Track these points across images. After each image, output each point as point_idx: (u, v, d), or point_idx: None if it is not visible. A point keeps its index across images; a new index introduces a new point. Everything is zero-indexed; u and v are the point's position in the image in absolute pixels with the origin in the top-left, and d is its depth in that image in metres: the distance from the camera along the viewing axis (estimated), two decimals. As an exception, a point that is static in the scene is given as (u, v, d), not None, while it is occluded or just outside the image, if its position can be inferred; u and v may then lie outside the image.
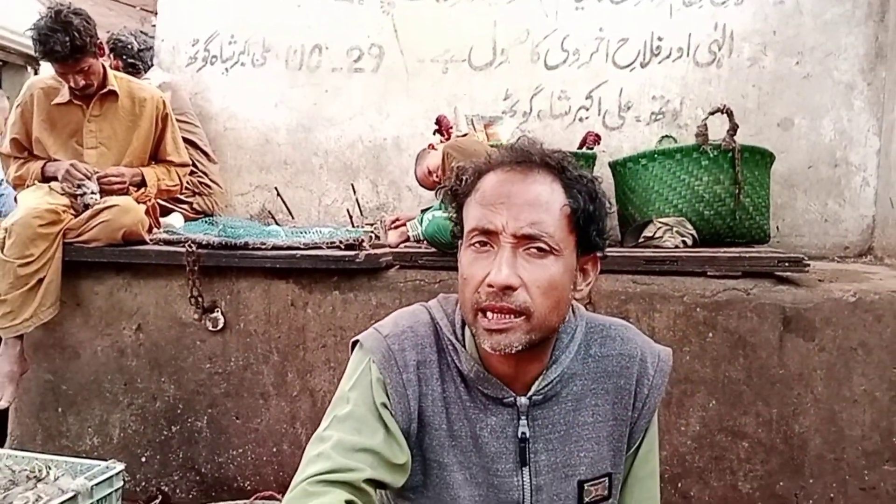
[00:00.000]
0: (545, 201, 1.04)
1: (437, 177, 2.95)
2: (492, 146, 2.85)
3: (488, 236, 1.04)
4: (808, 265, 2.52)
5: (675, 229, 2.82)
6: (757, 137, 3.38)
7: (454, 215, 1.14)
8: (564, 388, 1.13)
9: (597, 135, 3.25)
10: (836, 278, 2.69)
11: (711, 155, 2.87)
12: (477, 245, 1.05)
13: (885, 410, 2.45)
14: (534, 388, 1.11)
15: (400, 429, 1.11)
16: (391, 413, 1.10)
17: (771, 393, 2.47)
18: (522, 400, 1.11)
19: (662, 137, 3.42)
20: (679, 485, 2.48)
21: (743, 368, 2.47)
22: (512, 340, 1.02)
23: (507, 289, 1.00)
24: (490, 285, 1.01)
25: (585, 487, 1.14)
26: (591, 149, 3.19)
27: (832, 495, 2.47)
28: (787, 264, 2.51)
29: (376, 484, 1.08)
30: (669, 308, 2.48)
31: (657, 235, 2.83)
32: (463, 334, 1.14)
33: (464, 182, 1.11)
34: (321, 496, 1.02)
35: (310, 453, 1.11)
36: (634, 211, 3.08)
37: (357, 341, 1.18)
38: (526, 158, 1.07)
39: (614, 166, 3.23)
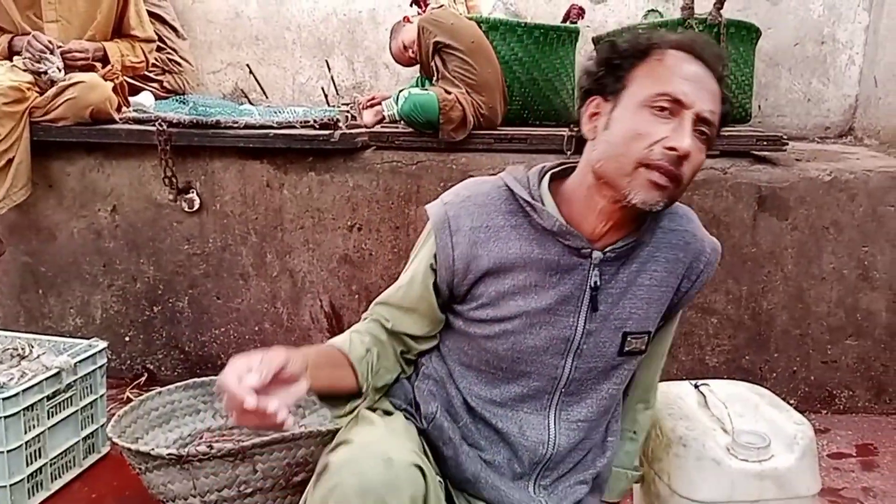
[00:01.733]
0: (718, 98, 1.16)
1: (413, 52, 2.84)
2: (471, 19, 2.75)
3: (676, 106, 1.12)
4: (787, 144, 2.52)
5: (655, 108, 2.78)
6: (745, 12, 3.28)
7: (607, 66, 1.19)
8: (633, 250, 1.25)
9: (581, 8, 3.13)
10: (814, 158, 2.70)
11: (696, 30, 2.78)
12: (658, 109, 1.13)
13: (852, 288, 2.52)
14: (611, 246, 1.22)
15: (441, 284, 1.27)
16: (434, 271, 1.26)
17: (742, 271, 2.53)
18: (597, 253, 1.22)
19: (648, 12, 3.31)
20: (649, 358, 2.58)
21: (716, 247, 2.51)
22: (661, 199, 1.14)
23: (686, 157, 1.11)
24: (673, 148, 1.10)
25: (628, 339, 1.28)
26: (575, 23, 3.08)
27: (795, 368, 2.58)
28: (765, 143, 2.50)
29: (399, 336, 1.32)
30: (646, 188, 2.48)
31: (638, 115, 2.79)
32: (540, 195, 1.23)
33: (646, 42, 1.18)
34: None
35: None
36: (616, 89, 3.01)
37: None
38: (711, 56, 1.17)
39: (598, 42, 3.14)
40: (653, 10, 3.29)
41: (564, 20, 3.14)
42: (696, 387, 1.70)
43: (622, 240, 1.23)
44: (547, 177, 1.26)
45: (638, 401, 1.48)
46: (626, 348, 1.28)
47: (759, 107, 3.47)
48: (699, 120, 1.13)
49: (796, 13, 3.43)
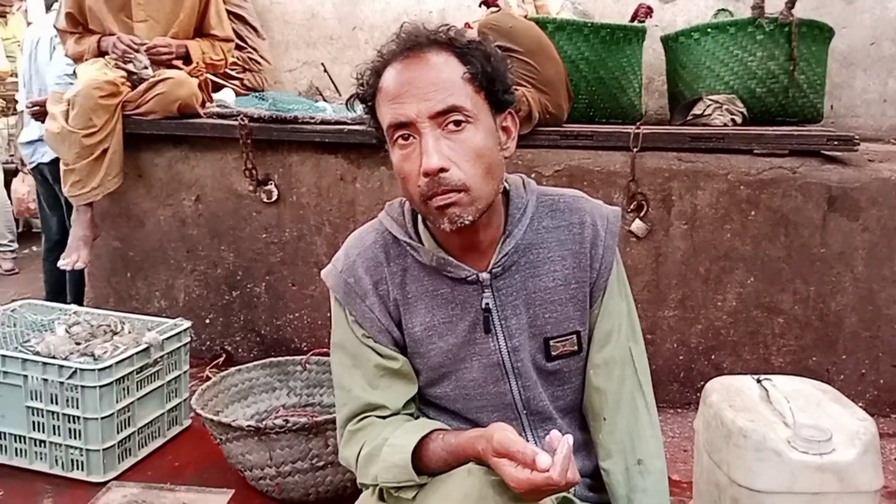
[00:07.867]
0: (446, 76, 1.09)
1: None
2: (533, 20, 2.79)
3: (407, 129, 1.09)
4: (858, 144, 2.48)
5: (724, 107, 2.78)
6: (818, 11, 3.22)
7: (370, 120, 1.19)
8: (522, 257, 1.23)
9: (649, 7, 3.14)
10: (888, 159, 2.65)
11: (767, 29, 2.77)
12: (400, 141, 1.11)
13: (925, 291, 2.47)
14: (492, 262, 1.21)
15: (387, 346, 1.25)
16: (374, 340, 1.24)
17: (810, 271, 2.51)
18: (484, 275, 1.21)
19: (718, 11, 3.29)
20: (712, 357, 2.59)
21: (783, 247, 2.50)
22: (462, 213, 1.09)
23: (441, 171, 1.07)
24: (426, 174, 1.07)
25: (551, 343, 1.25)
26: (643, 21, 3.10)
27: (864, 371, 2.54)
28: (836, 143, 2.47)
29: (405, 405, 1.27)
30: (713, 186, 2.49)
31: (706, 113, 2.79)
32: (417, 232, 1.24)
33: (366, 85, 1.16)
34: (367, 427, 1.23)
35: (338, 401, 1.30)
36: (685, 88, 3.02)
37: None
38: (414, 42, 1.12)
39: (666, 41, 3.15)
40: (723, 10, 3.27)
41: (632, 19, 3.15)
42: (759, 381, 1.71)
43: (499, 250, 1.21)
44: None
45: (626, 459, 1.26)
46: (553, 353, 1.25)
47: (832, 107, 3.40)
48: (436, 117, 1.07)
49: (872, 12, 3.35)
